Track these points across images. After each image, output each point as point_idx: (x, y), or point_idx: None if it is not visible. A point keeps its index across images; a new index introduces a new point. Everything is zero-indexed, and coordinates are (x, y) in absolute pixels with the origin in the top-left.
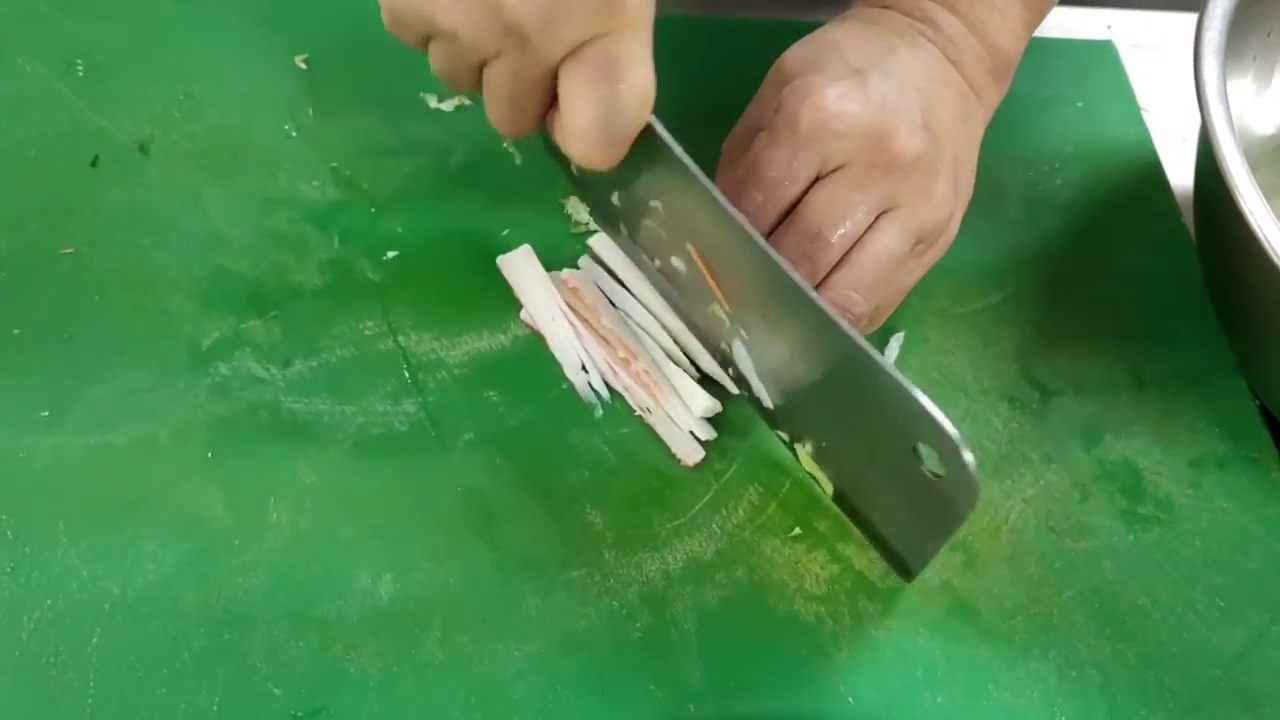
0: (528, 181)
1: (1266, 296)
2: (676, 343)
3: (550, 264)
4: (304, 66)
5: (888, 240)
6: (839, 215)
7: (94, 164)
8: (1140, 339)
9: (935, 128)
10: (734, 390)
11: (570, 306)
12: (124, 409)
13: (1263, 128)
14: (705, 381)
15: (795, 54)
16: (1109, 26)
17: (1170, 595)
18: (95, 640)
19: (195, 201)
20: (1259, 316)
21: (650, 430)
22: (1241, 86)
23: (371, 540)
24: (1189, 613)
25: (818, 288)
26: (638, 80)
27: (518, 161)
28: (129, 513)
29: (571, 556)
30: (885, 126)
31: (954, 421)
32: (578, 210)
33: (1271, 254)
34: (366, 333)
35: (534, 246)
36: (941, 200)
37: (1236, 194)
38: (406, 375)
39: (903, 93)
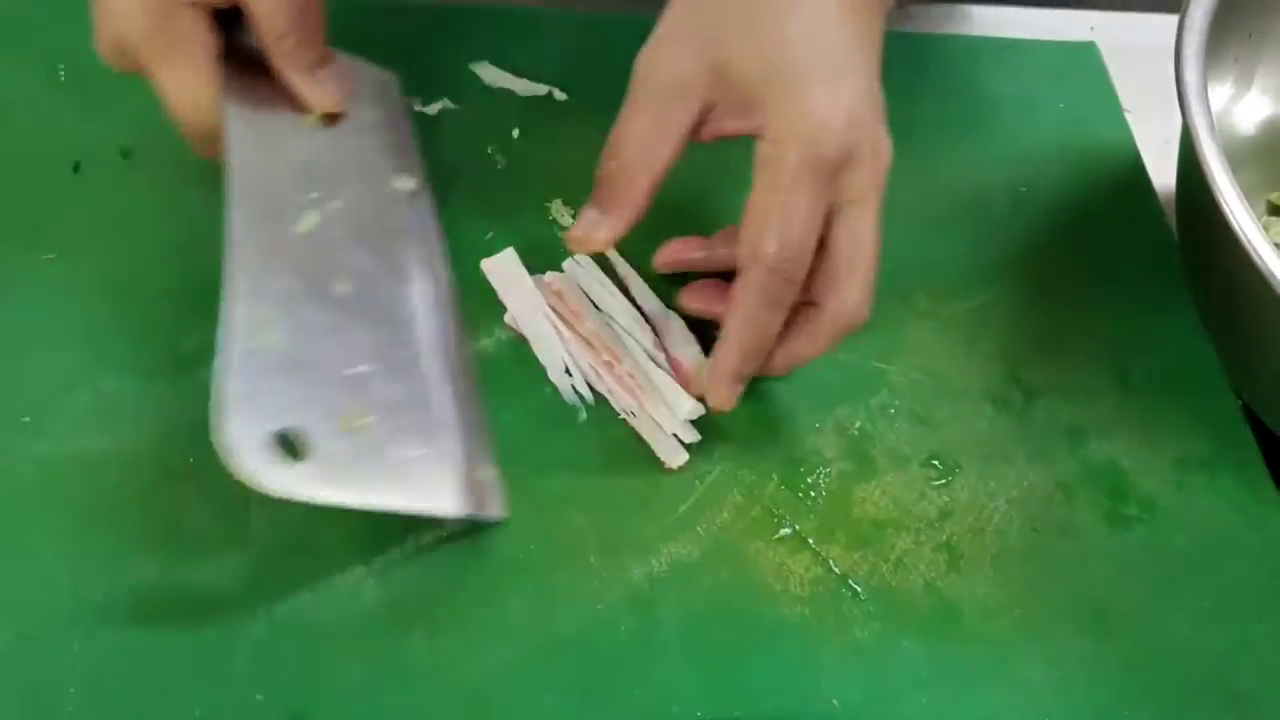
0: (511, 185)
1: (1248, 297)
2: (661, 345)
3: (534, 267)
4: None
5: (873, 232)
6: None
7: (76, 170)
8: (1124, 339)
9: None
10: None
11: (554, 310)
12: (106, 415)
13: (1244, 128)
14: None
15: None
16: (1091, 28)
17: (1154, 596)
18: (76, 648)
19: (178, 207)
20: (1241, 317)
21: (634, 433)
22: (1223, 88)
23: (355, 544)
24: (1173, 613)
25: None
26: (172, 104)
27: (501, 165)
28: (110, 519)
29: (556, 560)
30: (860, 133)
31: (938, 423)
32: (562, 214)
33: (1253, 255)
34: None
35: (518, 250)
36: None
37: (1218, 195)
38: None
39: (853, 72)
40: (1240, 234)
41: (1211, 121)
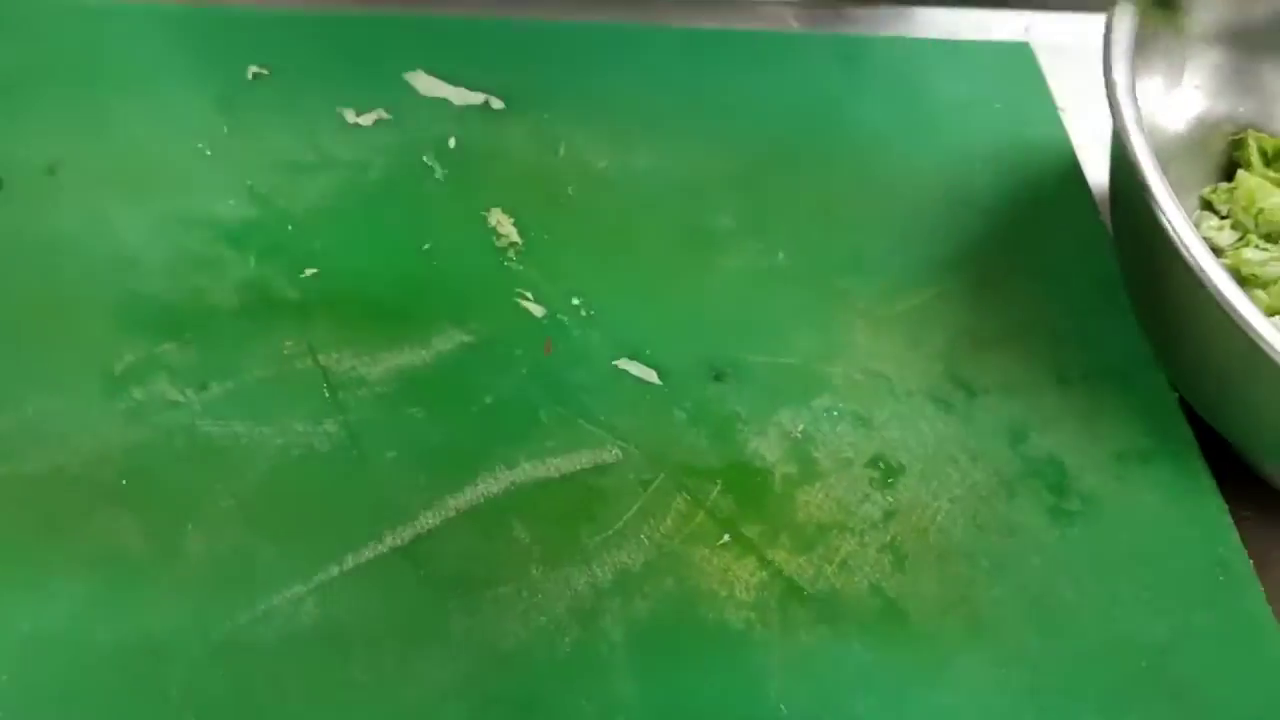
0: (448, 195)
1: (1179, 291)
2: None
3: (479, 277)
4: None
5: None
6: None
7: (0, 187)
8: (1062, 336)
9: None
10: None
11: None
12: (34, 438)
13: (1174, 125)
14: None
15: None
16: (1026, 28)
17: (1097, 589)
18: (4, 679)
19: (106, 224)
20: (1172, 311)
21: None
22: (1152, 85)
23: (292, 563)
24: (1115, 606)
25: None
26: None
27: (438, 175)
28: (39, 545)
29: (497, 573)
30: None
31: (880, 424)
32: (500, 223)
33: (1182, 250)
34: (285, 352)
35: (456, 261)
36: None
37: (1148, 192)
38: (326, 394)
39: None
40: (1170, 230)
41: (1139, 117)
